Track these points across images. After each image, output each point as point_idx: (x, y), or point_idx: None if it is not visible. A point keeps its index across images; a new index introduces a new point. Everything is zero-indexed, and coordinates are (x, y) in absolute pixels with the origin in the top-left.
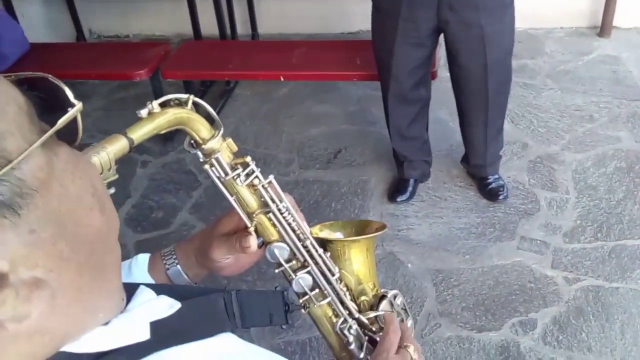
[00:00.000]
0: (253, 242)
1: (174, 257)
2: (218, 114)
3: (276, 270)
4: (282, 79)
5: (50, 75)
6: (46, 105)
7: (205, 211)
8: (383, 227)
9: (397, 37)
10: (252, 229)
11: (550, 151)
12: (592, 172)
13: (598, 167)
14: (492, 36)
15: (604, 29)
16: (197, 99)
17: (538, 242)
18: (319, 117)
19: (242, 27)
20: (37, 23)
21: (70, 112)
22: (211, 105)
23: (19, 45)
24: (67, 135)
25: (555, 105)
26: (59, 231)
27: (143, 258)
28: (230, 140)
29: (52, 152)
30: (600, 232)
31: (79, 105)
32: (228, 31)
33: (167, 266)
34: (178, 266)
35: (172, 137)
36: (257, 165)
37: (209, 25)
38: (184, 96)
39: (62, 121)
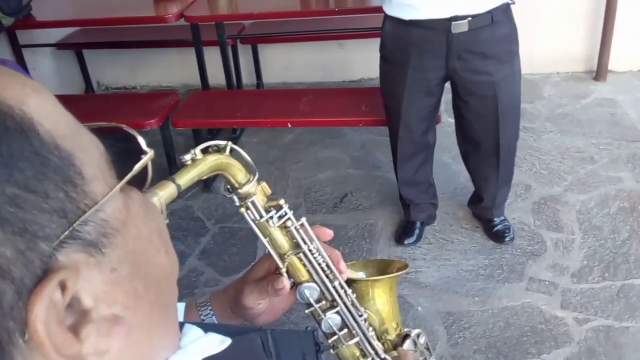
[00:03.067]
0: (285, 282)
1: (209, 307)
2: None
3: (306, 311)
4: (289, 125)
5: (124, 125)
6: (118, 151)
7: (214, 257)
8: (405, 266)
9: (406, 86)
10: (284, 270)
11: (554, 192)
12: (596, 213)
13: (602, 208)
14: (502, 82)
15: (599, 73)
16: (234, 145)
17: (546, 282)
18: (324, 163)
19: (248, 78)
20: (48, 76)
21: (145, 159)
22: None
23: None
24: (137, 181)
25: (555, 147)
26: (135, 270)
27: (179, 306)
28: (264, 184)
29: (127, 196)
30: (608, 272)
31: (151, 152)
32: (234, 81)
33: (202, 317)
34: (213, 317)
35: None
36: None
37: (215, 76)
38: (222, 143)
39: (138, 167)
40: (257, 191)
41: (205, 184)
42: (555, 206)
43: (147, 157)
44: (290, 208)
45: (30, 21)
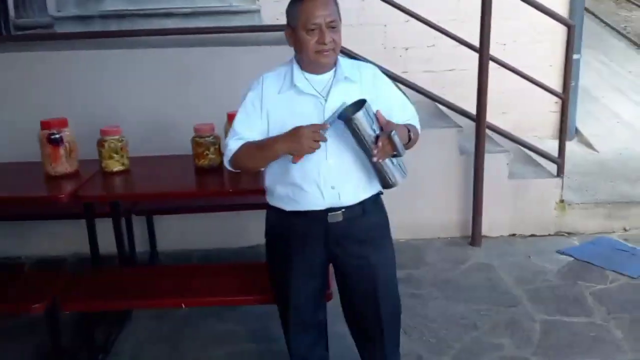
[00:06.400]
0: None
1: None
2: (114, 340)
3: None
4: (183, 307)
5: None
6: None
7: None
8: None
9: (292, 270)
10: None
11: None
12: None
13: None
14: (378, 265)
15: (474, 238)
16: None
17: None
18: (221, 337)
19: (142, 245)
20: None
21: None
22: (107, 331)
23: None
24: None
25: (441, 314)
26: None
27: None
28: None
29: None
30: None
31: None
32: (127, 250)
33: None
34: None
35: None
36: None
37: (107, 244)
38: None
39: None
40: None
41: None
42: None
43: None
44: None
45: None
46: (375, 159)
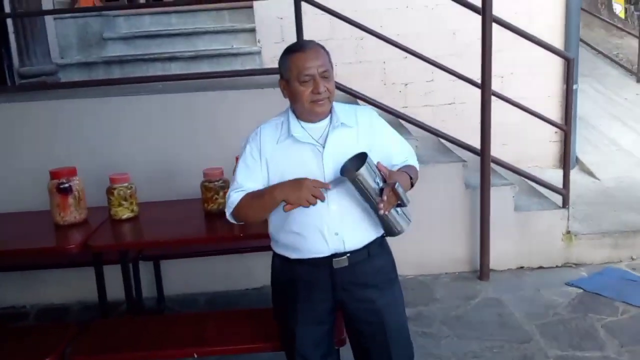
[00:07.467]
0: None
1: None
2: None
3: None
4: (195, 356)
5: None
6: None
7: None
8: None
9: (298, 318)
10: None
11: None
12: None
13: None
14: (386, 308)
15: (482, 272)
16: None
17: None
18: None
19: (148, 290)
20: None
21: None
22: None
23: None
24: None
25: (454, 354)
26: None
27: None
28: None
29: None
30: None
31: None
32: (134, 295)
33: None
34: None
35: None
36: None
37: (113, 290)
38: None
39: None
40: None
41: None
42: None
43: None
44: None
45: None
46: (381, 212)
